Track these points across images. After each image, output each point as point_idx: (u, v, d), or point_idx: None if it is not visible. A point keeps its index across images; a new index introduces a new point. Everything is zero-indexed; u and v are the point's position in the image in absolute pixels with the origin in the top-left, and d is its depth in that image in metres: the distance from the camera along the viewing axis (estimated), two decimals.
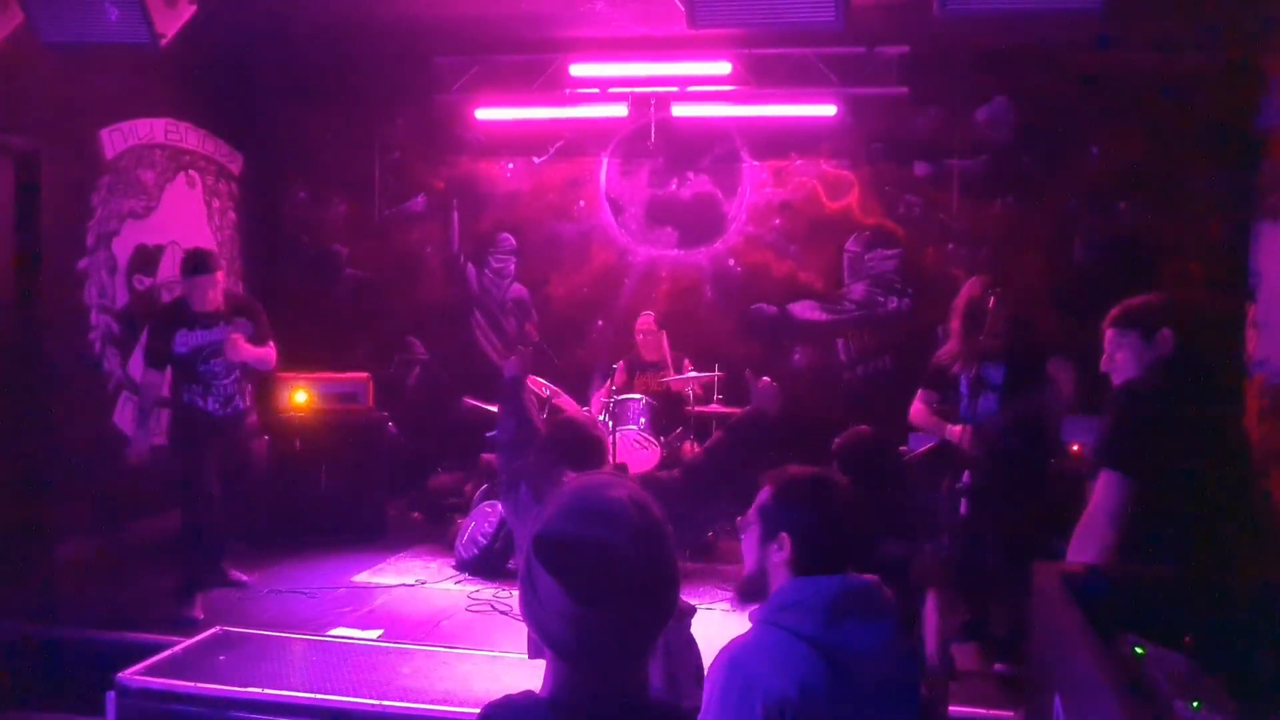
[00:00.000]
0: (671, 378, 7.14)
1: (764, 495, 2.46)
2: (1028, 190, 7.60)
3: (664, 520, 1.52)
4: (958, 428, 5.04)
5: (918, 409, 5.44)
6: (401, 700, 4.36)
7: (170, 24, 4.73)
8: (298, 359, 7.92)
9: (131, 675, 4.40)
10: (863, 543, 2.41)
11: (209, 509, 5.67)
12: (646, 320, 7.40)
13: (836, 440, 3.66)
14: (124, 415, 6.94)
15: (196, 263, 5.58)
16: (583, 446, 3.48)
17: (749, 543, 2.43)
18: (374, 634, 5.26)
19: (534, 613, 1.46)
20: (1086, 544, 2.84)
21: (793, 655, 2.09)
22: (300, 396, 7.31)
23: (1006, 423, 5.06)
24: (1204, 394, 3.01)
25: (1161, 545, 2.74)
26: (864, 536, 2.43)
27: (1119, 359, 3.04)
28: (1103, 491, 2.79)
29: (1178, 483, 2.79)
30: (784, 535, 2.31)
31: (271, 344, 5.81)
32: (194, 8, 4.81)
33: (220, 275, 5.64)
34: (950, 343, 5.36)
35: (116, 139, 6.87)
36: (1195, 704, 1.56)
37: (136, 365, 7.04)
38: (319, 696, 4.39)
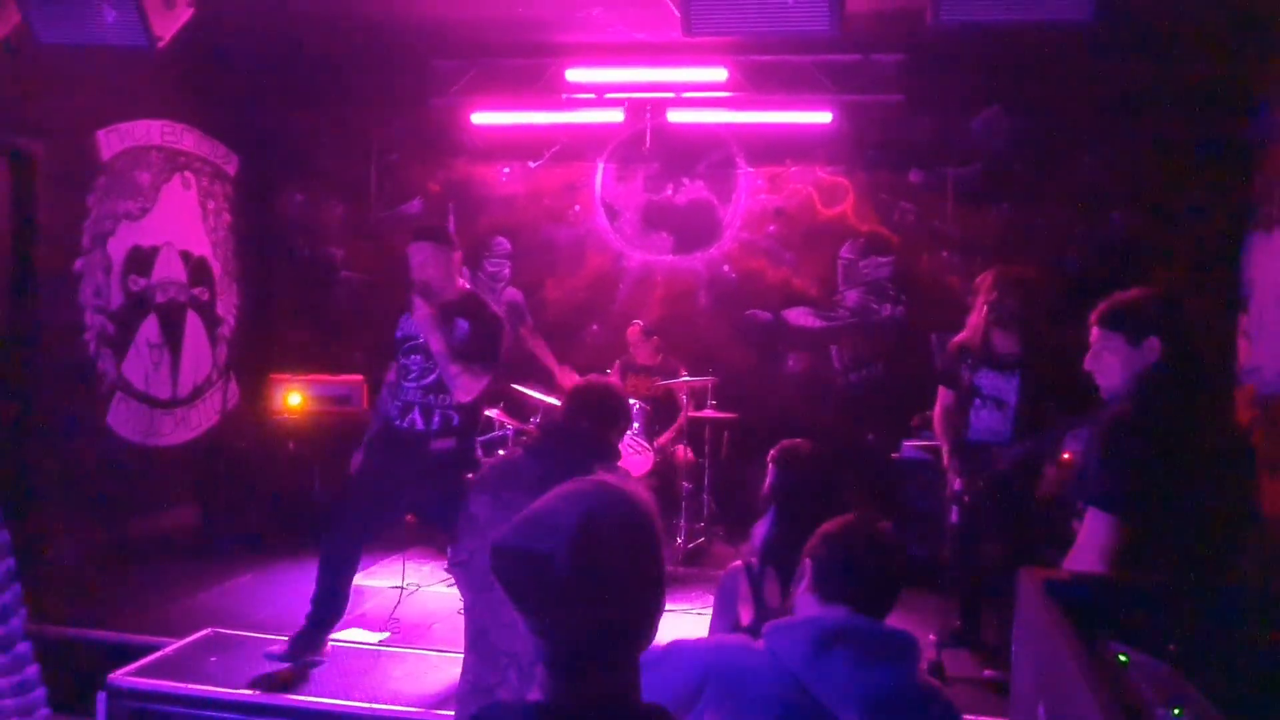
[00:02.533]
0: (662, 383, 7.18)
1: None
2: (1022, 199, 7.63)
3: (631, 539, 1.51)
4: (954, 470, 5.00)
5: (938, 412, 5.42)
6: (393, 703, 4.37)
7: (168, 26, 4.73)
8: (293, 361, 7.95)
9: (122, 676, 4.40)
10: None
11: (340, 536, 4.72)
12: (634, 330, 7.46)
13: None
14: (118, 416, 6.94)
15: (415, 230, 4.73)
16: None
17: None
18: (379, 637, 5.28)
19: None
20: None
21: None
22: (294, 398, 7.33)
23: (1018, 456, 4.97)
24: (1198, 411, 2.92)
25: (1150, 563, 2.70)
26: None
27: (1105, 360, 2.95)
28: (1091, 530, 2.72)
29: (1170, 514, 2.72)
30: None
31: (479, 364, 4.52)
32: (192, 10, 4.81)
33: (431, 250, 4.63)
34: (963, 332, 5.29)
35: (113, 140, 6.88)
36: (1177, 711, 1.57)
37: (131, 366, 7.05)
38: (309, 699, 4.40)
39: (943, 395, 5.37)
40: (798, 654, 2.03)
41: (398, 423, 4.71)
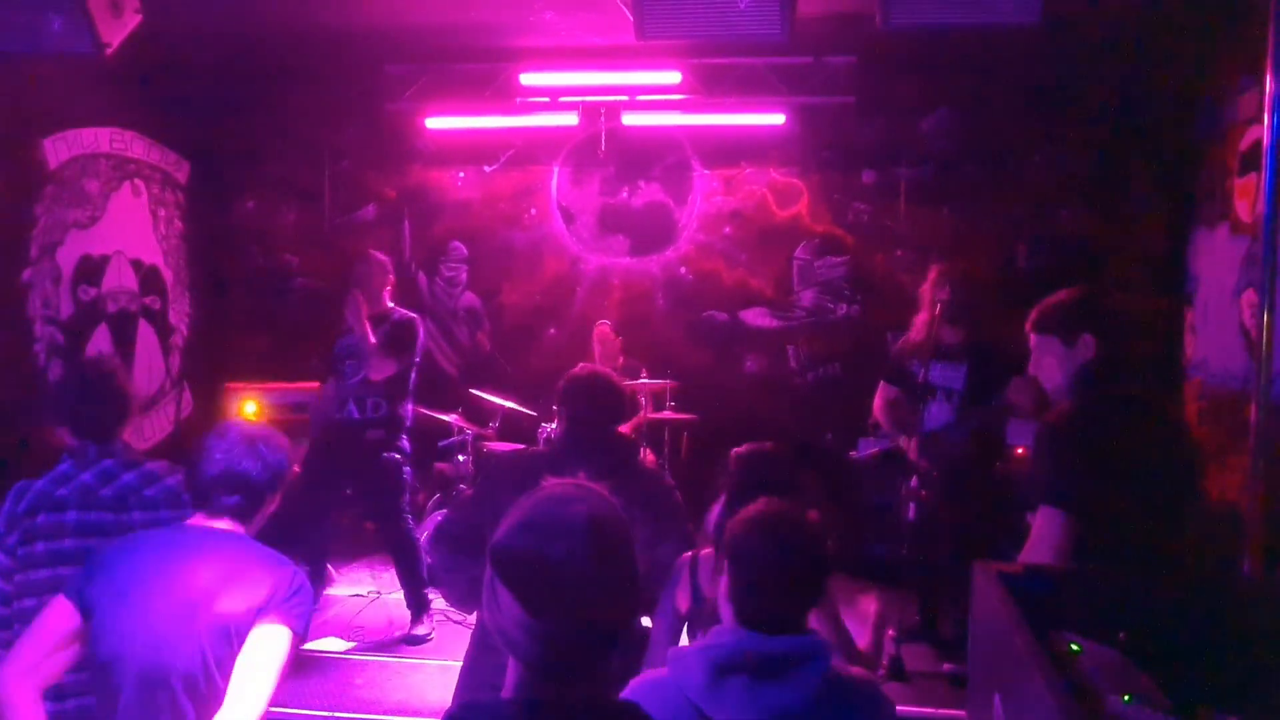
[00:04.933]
0: (626, 384, 7.18)
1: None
2: (972, 198, 7.72)
3: (625, 539, 1.55)
4: (913, 441, 5.07)
5: (879, 404, 5.50)
6: (355, 711, 4.35)
7: (116, 33, 4.64)
8: (248, 369, 7.87)
9: None
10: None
11: (296, 533, 4.99)
12: (603, 329, 7.45)
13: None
14: None
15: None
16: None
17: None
18: (347, 645, 5.25)
19: (496, 619, 1.50)
20: None
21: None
22: (250, 407, 7.26)
23: (964, 435, 5.08)
24: (1139, 405, 2.99)
25: (1100, 555, 2.76)
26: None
27: (1045, 364, 3.04)
28: (1042, 525, 2.79)
29: (1120, 507, 2.78)
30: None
31: (392, 354, 5.57)
32: (140, 17, 4.74)
33: (374, 264, 5.82)
34: (912, 332, 5.37)
35: (60, 148, 6.77)
36: (1127, 698, 1.61)
37: None
38: (270, 709, 4.36)
39: (884, 390, 5.47)
40: (696, 684, 2.02)
41: (336, 415, 5.66)
